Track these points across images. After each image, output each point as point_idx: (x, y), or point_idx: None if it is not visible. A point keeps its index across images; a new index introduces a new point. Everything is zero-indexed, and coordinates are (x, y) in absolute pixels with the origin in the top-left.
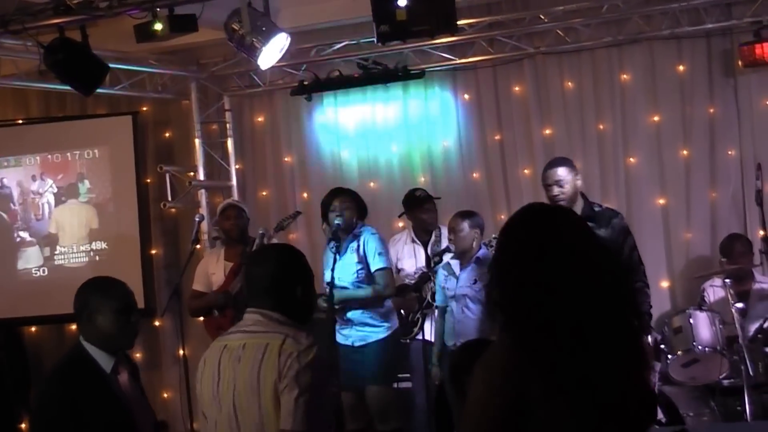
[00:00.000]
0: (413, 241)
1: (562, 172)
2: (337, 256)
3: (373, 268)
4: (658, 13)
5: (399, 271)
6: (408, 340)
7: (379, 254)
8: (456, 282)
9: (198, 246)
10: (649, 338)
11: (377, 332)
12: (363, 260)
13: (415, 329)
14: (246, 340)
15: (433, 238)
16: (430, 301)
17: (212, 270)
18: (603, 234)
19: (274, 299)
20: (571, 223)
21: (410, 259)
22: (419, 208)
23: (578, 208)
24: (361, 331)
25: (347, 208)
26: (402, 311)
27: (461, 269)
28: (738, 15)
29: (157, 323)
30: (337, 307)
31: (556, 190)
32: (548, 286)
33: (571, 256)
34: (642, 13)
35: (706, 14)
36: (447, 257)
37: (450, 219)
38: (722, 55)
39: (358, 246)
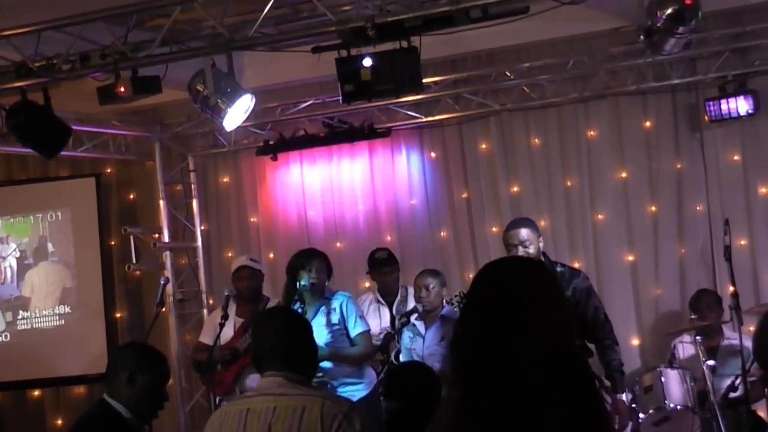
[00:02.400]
0: (378, 302)
1: (526, 233)
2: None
3: (354, 333)
4: (623, 68)
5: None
6: None
7: (360, 318)
8: (423, 342)
9: (163, 309)
10: (624, 396)
11: (359, 390)
12: (334, 323)
13: (380, 390)
14: (275, 403)
15: (398, 297)
16: (394, 361)
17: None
18: (566, 294)
19: (292, 361)
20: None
21: (375, 319)
22: (380, 269)
23: None
24: (343, 392)
25: (321, 271)
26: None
27: (426, 329)
28: (703, 70)
29: None
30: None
31: (521, 250)
32: (488, 342)
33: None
34: (607, 68)
35: (671, 69)
36: (413, 317)
37: (418, 277)
38: (688, 110)
39: (330, 310)
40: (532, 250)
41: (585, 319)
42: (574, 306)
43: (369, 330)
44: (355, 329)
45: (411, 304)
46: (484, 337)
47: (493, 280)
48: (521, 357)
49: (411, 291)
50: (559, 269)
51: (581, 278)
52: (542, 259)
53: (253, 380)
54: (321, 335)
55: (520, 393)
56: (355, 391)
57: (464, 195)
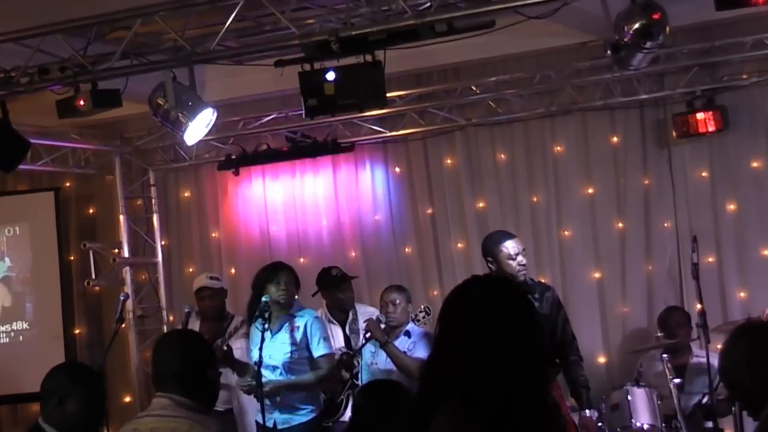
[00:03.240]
0: (329, 321)
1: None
2: (266, 334)
3: (317, 354)
4: (590, 83)
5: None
6: (331, 423)
7: (324, 339)
8: (385, 356)
9: (123, 325)
10: (588, 413)
11: (301, 415)
12: (297, 342)
13: (340, 411)
14: (155, 423)
15: (350, 317)
16: (355, 381)
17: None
18: (538, 306)
19: (183, 384)
20: (511, 297)
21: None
22: (336, 288)
23: None
24: (284, 413)
25: (290, 284)
26: (324, 393)
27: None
28: (671, 85)
29: None
30: (267, 389)
31: (524, 259)
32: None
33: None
34: (575, 83)
35: (639, 84)
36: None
37: (384, 293)
38: (656, 126)
39: (294, 327)
40: (526, 260)
41: (555, 333)
42: (546, 318)
43: (332, 353)
44: (318, 350)
45: (361, 322)
46: (454, 356)
47: (465, 299)
48: (493, 376)
49: (362, 309)
50: (530, 282)
51: (551, 292)
52: None
53: None
54: (282, 352)
55: (487, 409)
56: (296, 416)
57: (429, 211)
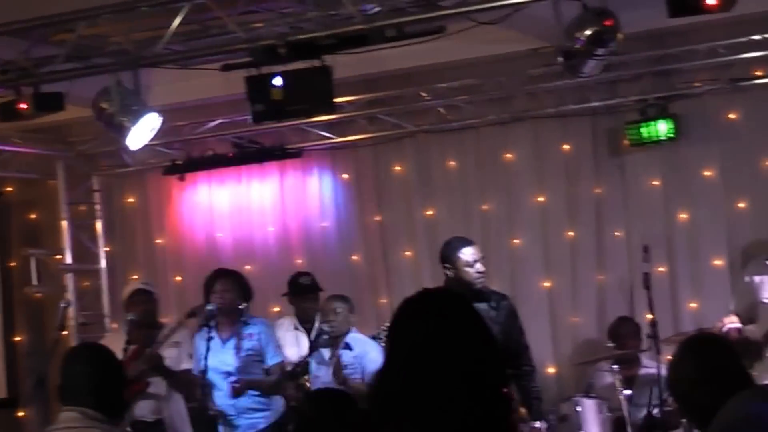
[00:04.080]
0: (296, 328)
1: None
2: (213, 343)
3: (271, 362)
4: (542, 90)
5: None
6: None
7: (278, 347)
8: (327, 370)
9: (64, 333)
10: (538, 424)
11: (263, 418)
12: (250, 349)
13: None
14: None
15: (317, 324)
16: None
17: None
18: (494, 315)
19: (94, 397)
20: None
21: (293, 347)
22: (301, 296)
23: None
24: (249, 419)
25: (227, 291)
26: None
27: (330, 356)
28: (624, 93)
29: (20, 414)
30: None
31: (479, 267)
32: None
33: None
34: (526, 90)
35: (591, 92)
36: (323, 340)
37: (325, 302)
38: (608, 134)
39: (247, 335)
40: (484, 267)
41: (510, 342)
42: (501, 327)
43: (284, 362)
44: (273, 359)
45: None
46: (405, 372)
47: (416, 314)
48: (440, 391)
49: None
50: (487, 291)
51: (507, 301)
52: None
53: (141, 408)
54: (235, 357)
55: (439, 427)
56: (257, 420)
57: (377, 218)
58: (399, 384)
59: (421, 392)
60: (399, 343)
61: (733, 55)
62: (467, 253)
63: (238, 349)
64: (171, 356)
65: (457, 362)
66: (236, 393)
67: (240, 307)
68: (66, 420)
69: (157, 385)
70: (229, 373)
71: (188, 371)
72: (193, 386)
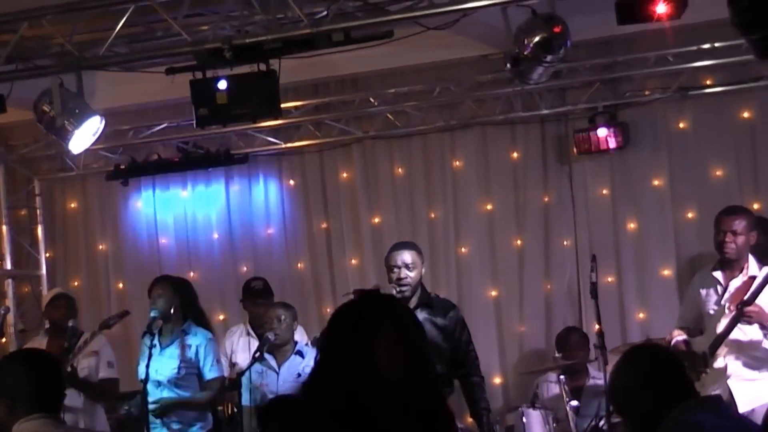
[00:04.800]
0: (248, 334)
1: (411, 256)
2: (153, 351)
3: (208, 376)
4: (491, 97)
5: (233, 365)
6: None
7: (217, 362)
8: (277, 377)
9: (3, 339)
10: None
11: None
12: (187, 359)
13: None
14: None
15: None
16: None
17: None
18: (440, 323)
19: (59, 403)
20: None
21: (244, 353)
22: (252, 300)
23: (416, 296)
24: (174, 430)
25: (162, 296)
26: (220, 408)
27: (279, 364)
28: (572, 100)
29: None
30: (158, 406)
31: (404, 272)
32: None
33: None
34: (475, 97)
35: (540, 99)
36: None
37: (270, 310)
38: (557, 142)
39: (186, 345)
40: (414, 274)
41: (458, 352)
42: (449, 335)
43: (223, 376)
44: (210, 373)
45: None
46: (336, 374)
47: (346, 319)
48: (370, 395)
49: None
50: (434, 298)
51: (456, 310)
52: (421, 287)
53: None
54: (169, 367)
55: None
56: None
57: (324, 225)
58: (322, 395)
59: (343, 404)
60: (330, 348)
61: (682, 64)
62: (389, 258)
63: (170, 359)
64: (89, 366)
65: (389, 366)
66: (156, 416)
67: (172, 311)
68: (41, 426)
69: (73, 397)
70: (159, 382)
71: (108, 381)
72: (112, 396)
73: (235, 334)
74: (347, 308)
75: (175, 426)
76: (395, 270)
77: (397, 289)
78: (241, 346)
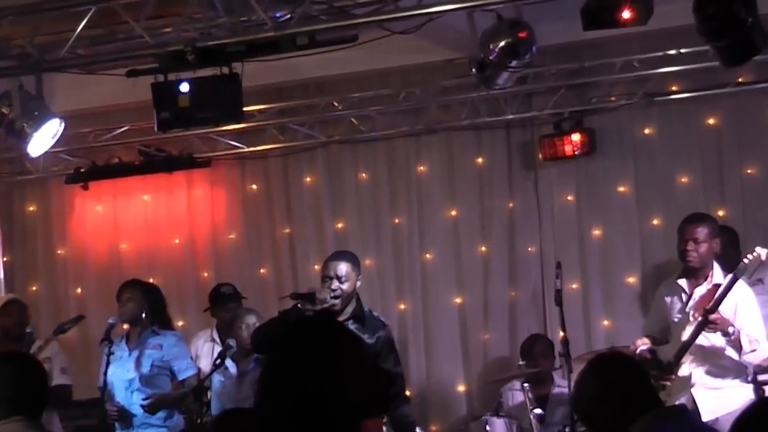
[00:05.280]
0: (213, 340)
1: (346, 267)
2: (123, 352)
3: (183, 375)
4: (456, 102)
5: (197, 370)
6: None
7: (191, 360)
8: (237, 385)
9: None
10: None
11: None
12: (156, 359)
13: None
14: None
15: None
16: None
17: None
18: (367, 340)
19: (41, 407)
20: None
21: (207, 358)
22: (222, 306)
23: (350, 307)
24: None
25: (130, 300)
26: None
27: (239, 372)
28: (538, 106)
29: None
30: (115, 409)
31: (335, 284)
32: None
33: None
34: (440, 102)
35: (506, 105)
36: (229, 355)
37: (238, 316)
38: (522, 147)
39: (156, 345)
40: (346, 286)
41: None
42: (376, 355)
43: (197, 373)
44: (186, 372)
45: None
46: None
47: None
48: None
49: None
50: (367, 312)
51: (386, 330)
52: (356, 299)
53: None
54: (139, 367)
55: None
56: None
57: (287, 230)
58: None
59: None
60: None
61: (649, 70)
62: (324, 267)
63: (140, 359)
64: None
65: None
66: (148, 411)
67: (143, 315)
68: (20, 429)
69: None
70: (130, 381)
71: (62, 387)
72: (66, 403)
73: (200, 339)
74: (291, 327)
75: (140, 428)
76: (327, 280)
77: (330, 297)
78: (205, 352)
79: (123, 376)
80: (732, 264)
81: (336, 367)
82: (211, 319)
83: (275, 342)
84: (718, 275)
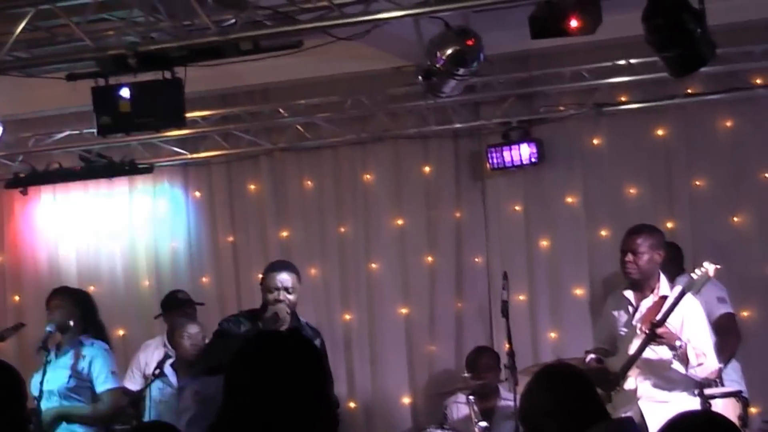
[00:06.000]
0: (165, 346)
1: (293, 279)
2: (48, 365)
3: (100, 388)
4: (404, 110)
5: (146, 378)
6: None
7: (112, 373)
8: (177, 395)
9: None
10: None
11: None
12: (79, 371)
13: None
14: None
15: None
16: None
17: None
18: None
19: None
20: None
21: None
22: (178, 311)
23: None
24: None
25: (59, 308)
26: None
27: (179, 380)
28: (486, 115)
29: None
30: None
31: (282, 295)
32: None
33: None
34: (387, 110)
35: (453, 113)
36: (168, 364)
37: (180, 326)
38: (470, 157)
39: (80, 355)
40: (293, 297)
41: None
42: None
43: (119, 387)
44: (102, 385)
45: None
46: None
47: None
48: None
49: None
50: (304, 324)
51: (319, 339)
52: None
53: None
54: (60, 377)
55: None
56: None
57: (230, 239)
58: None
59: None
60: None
61: (597, 80)
62: (269, 278)
63: (68, 368)
64: None
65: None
66: (45, 426)
67: (71, 323)
68: None
69: None
70: (50, 393)
71: None
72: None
73: (151, 346)
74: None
75: None
76: (274, 291)
77: (287, 313)
78: (155, 359)
79: (45, 386)
80: (671, 280)
81: (321, 389)
82: (154, 328)
83: (255, 365)
84: (664, 287)
